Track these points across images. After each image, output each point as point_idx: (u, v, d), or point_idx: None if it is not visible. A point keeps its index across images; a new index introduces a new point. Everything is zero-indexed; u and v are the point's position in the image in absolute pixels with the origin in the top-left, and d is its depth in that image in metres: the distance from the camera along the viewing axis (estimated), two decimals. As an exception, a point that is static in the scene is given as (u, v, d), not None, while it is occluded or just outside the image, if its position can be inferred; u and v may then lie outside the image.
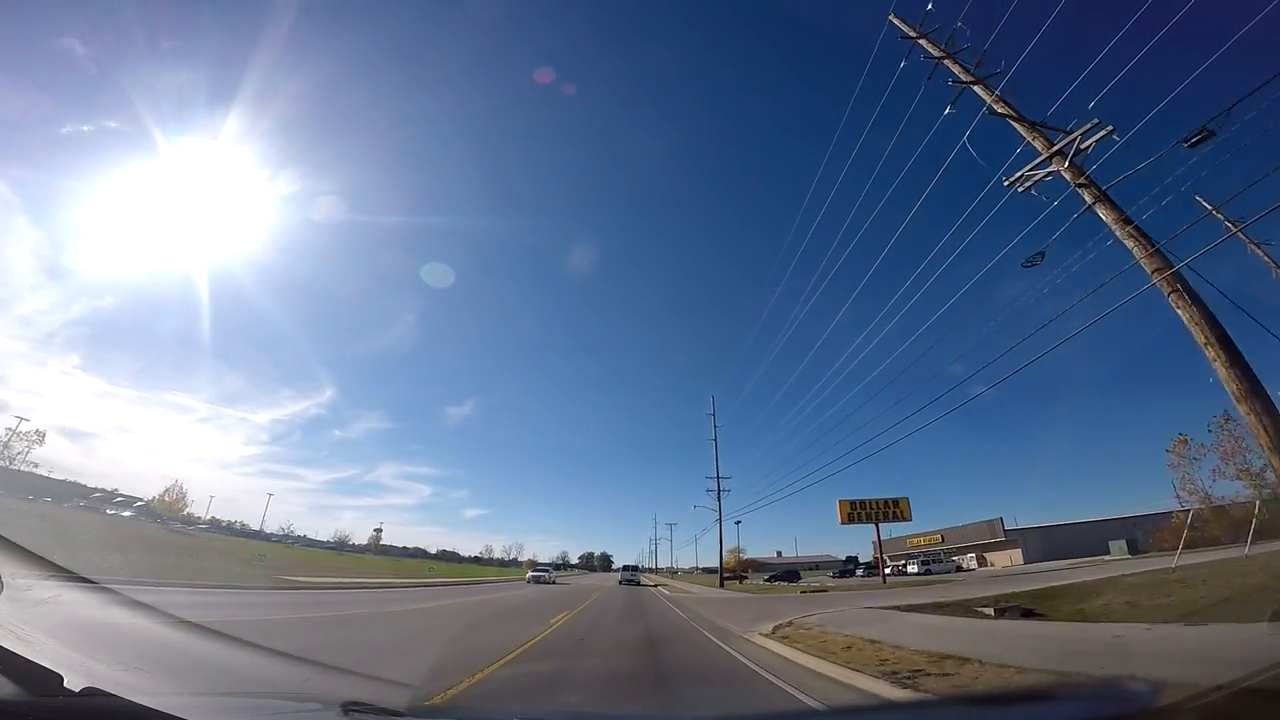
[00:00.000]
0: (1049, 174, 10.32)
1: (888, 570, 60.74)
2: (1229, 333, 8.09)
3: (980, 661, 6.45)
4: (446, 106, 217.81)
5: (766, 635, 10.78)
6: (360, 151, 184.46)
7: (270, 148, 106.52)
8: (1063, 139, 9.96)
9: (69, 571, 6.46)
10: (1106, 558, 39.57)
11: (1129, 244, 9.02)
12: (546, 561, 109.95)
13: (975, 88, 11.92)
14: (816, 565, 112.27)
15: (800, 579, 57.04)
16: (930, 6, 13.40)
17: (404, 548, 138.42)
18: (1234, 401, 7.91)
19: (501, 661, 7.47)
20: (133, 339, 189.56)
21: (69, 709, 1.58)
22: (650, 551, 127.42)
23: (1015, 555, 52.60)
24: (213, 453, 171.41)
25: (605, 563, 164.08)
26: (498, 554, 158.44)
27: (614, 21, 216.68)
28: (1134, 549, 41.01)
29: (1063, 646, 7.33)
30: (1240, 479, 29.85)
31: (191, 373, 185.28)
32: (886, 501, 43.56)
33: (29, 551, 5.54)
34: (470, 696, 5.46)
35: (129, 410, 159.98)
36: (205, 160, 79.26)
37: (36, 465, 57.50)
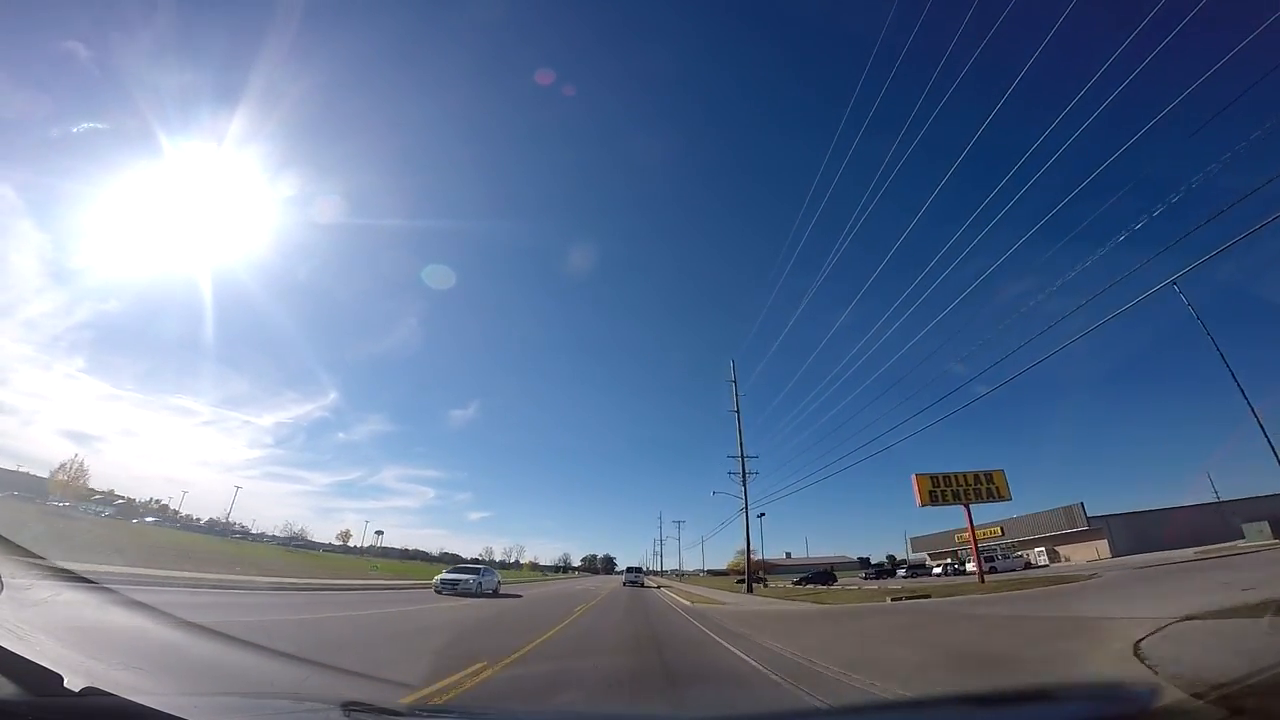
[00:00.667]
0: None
1: (935, 569, 53.35)
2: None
3: None
4: (448, 108, 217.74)
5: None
6: (362, 154, 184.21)
7: (273, 150, 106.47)
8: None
9: (69, 571, 6.46)
10: (1241, 543, 33.88)
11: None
12: (549, 564, 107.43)
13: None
14: (832, 567, 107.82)
15: (836, 580, 50.98)
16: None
17: (404, 549, 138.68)
18: None
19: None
20: (137, 342, 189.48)
21: (69, 709, 1.58)
22: (655, 553, 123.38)
23: (1100, 547, 44.87)
24: (217, 455, 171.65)
25: (608, 565, 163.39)
26: (498, 556, 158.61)
27: (613, 22, 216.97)
28: (1280, 531, 34.65)
29: None
30: None
31: (195, 376, 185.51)
32: (978, 476, 32.96)
33: (28, 551, 5.55)
34: (471, 696, 5.45)
35: (133, 413, 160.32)
36: (209, 163, 79.21)
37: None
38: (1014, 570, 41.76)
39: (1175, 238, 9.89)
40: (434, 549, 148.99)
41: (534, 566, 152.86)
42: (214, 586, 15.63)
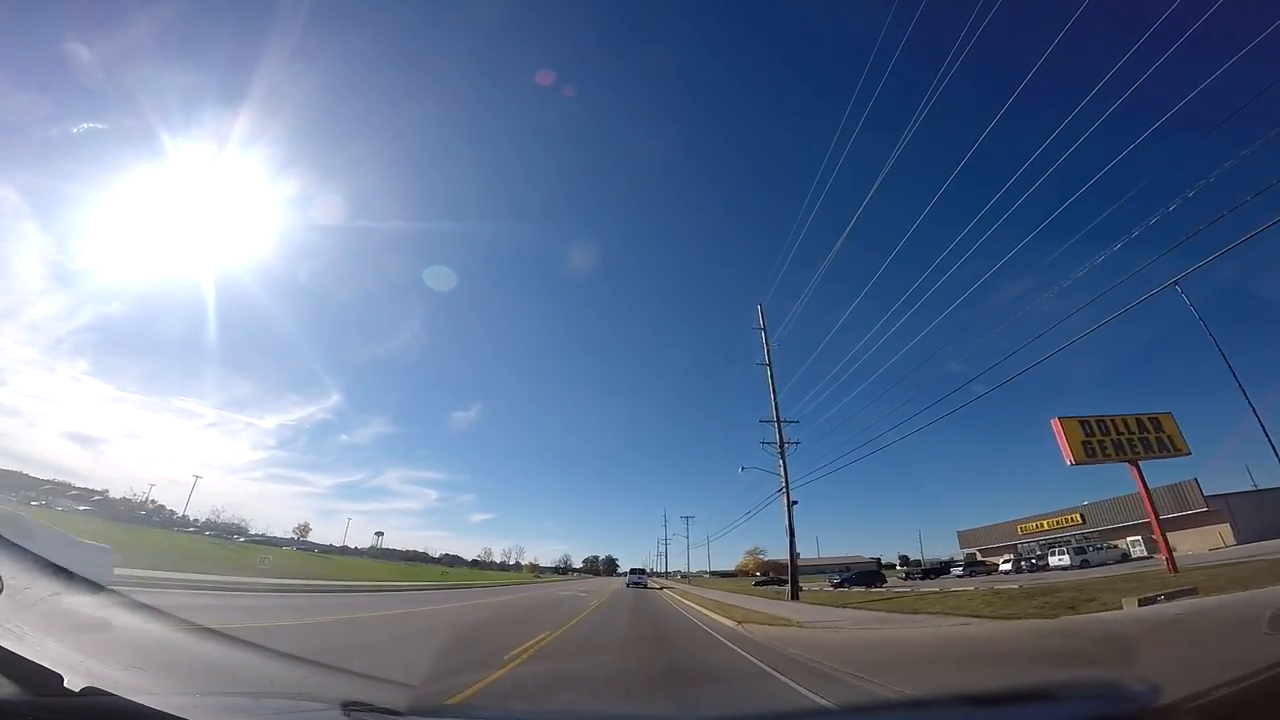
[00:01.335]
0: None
1: (1004, 565, 45.36)
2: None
3: None
4: (449, 109, 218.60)
5: None
6: (364, 156, 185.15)
7: (276, 152, 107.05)
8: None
9: (67, 570, 6.44)
10: None
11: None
12: (549, 565, 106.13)
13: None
14: (847, 568, 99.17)
15: (885, 582, 43.63)
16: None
17: (407, 551, 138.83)
18: None
19: None
20: (141, 345, 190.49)
21: (69, 709, 1.58)
22: (659, 553, 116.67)
23: (1222, 533, 37.61)
24: (220, 457, 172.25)
25: (610, 566, 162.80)
26: (497, 557, 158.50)
27: (613, 23, 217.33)
28: None
29: None
30: None
31: (199, 378, 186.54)
32: (1140, 421, 23.22)
33: (28, 550, 5.53)
34: (472, 696, 5.42)
35: (137, 415, 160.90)
36: (212, 165, 79.68)
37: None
38: (1106, 564, 35.71)
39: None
40: (436, 551, 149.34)
41: (533, 568, 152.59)
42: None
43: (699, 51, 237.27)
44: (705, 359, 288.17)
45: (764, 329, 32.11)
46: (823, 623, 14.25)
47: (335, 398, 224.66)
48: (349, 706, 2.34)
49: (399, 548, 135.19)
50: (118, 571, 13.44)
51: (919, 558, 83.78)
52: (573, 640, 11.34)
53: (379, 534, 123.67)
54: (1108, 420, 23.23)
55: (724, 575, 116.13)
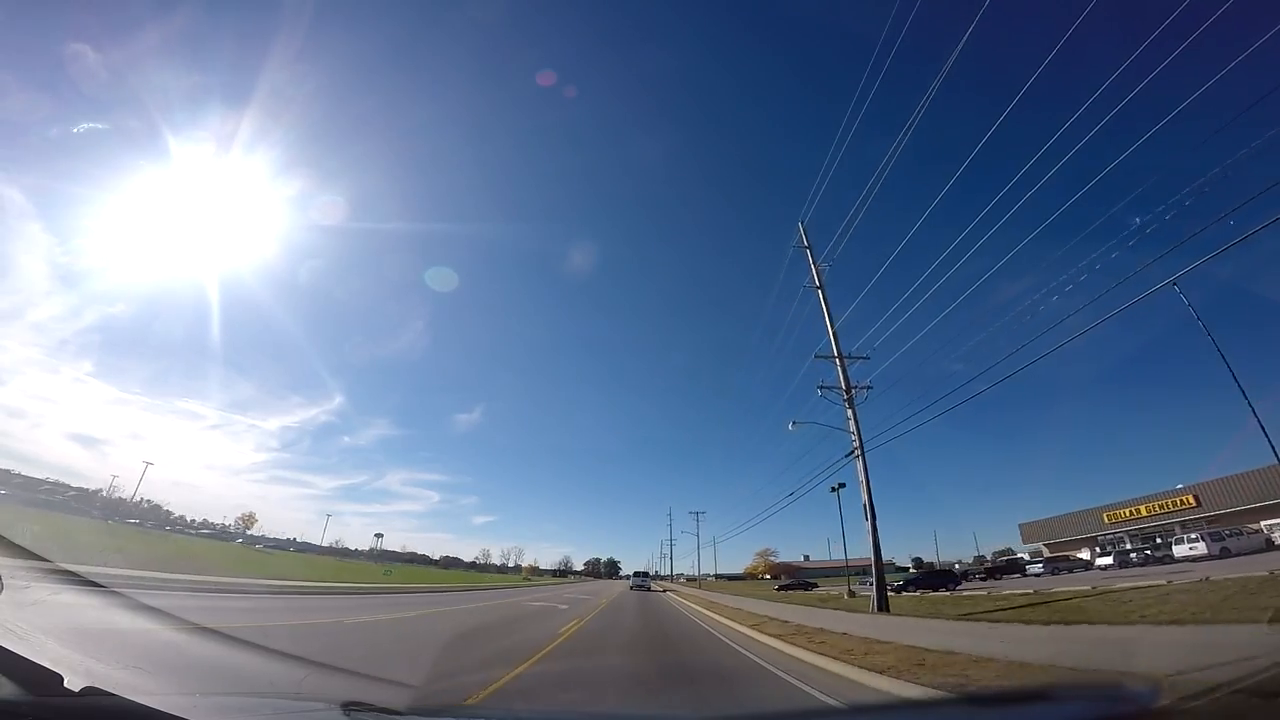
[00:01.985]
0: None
1: (1102, 561, 39.49)
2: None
3: None
4: (450, 110, 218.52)
5: None
6: (366, 157, 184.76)
7: (278, 154, 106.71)
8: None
9: (67, 570, 6.44)
10: None
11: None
12: (549, 567, 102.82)
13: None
14: (865, 569, 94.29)
15: (961, 584, 36.79)
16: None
17: (410, 553, 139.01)
18: None
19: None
20: (144, 346, 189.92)
21: (69, 709, 1.58)
22: (663, 554, 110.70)
23: None
24: (223, 459, 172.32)
25: (611, 569, 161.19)
26: (496, 559, 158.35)
27: (613, 23, 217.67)
28: None
29: None
30: None
31: (202, 379, 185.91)
32: None
33: (27, 550, 5.54)
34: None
35: (140, 417, 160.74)
36: (215, 166, 79.59)
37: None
38: (1245, 552, 30.17)
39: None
40: (439, 553, 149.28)
41: (533, 570, 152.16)
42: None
43: (699, 51, 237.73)
44: (707, 359, 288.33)
45: (808, 247, 24.55)
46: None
47: (338, 399, 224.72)
48: (349, 706, 2.33)
49: (398, 549, 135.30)
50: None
51: (933, 560, 79.18)
52: (593, 645, 10.20)
53: (378, 536, 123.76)
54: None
55: (731, 579, 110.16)
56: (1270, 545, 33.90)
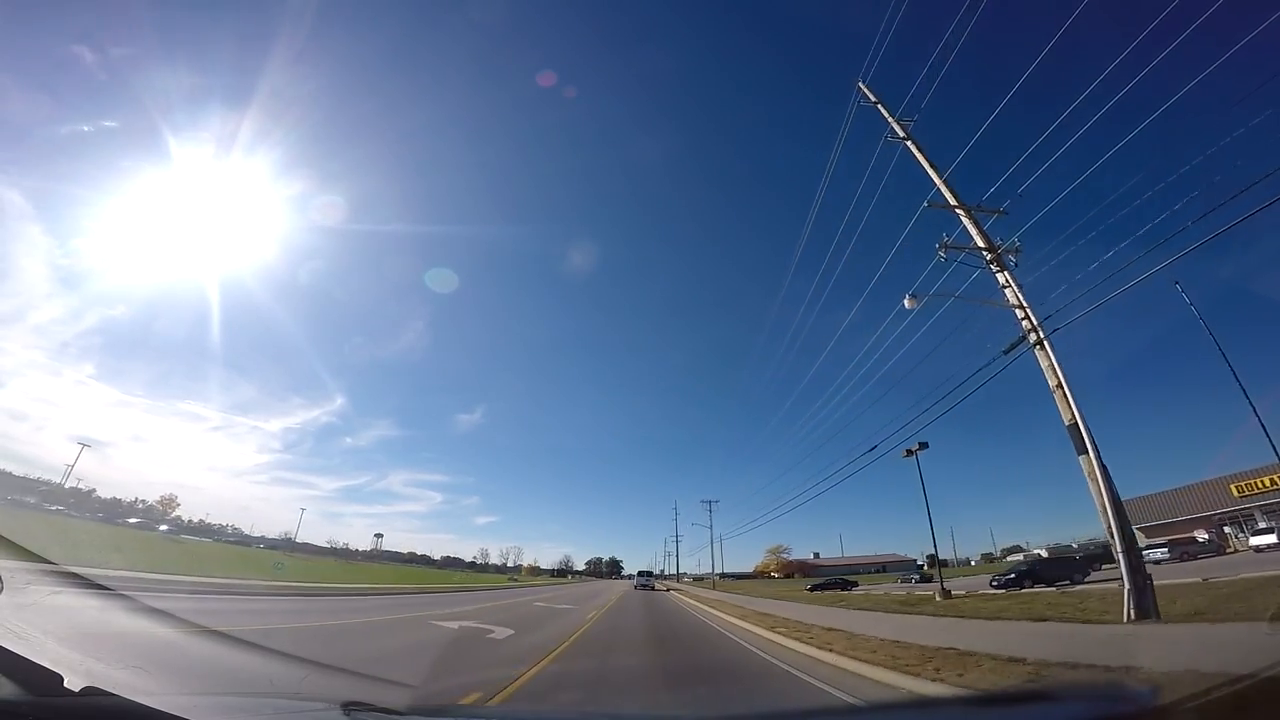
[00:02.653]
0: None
1: (1257, 540, 32.43)
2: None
3: None
4: (450, 111, 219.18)
5: None
6: (367, 159, 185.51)
7: (279, 156, 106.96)
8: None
9: (66, 571, 6.43)
10: None
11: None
12: (549, 567, 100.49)
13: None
14: (883, 567, 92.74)
15: (1089, 575, 28.68)
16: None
17: (410, 553, 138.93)
18: None
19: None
20: (146, 348, 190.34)
21: (69, 709, 1.58)
22: (667, 552, 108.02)
23: None
24: (225, 461, 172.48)
25: (614, 569, 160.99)
26: (495, 559, 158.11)
27: (613, 24, 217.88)
28: None
29: None
30: None
31: (204, 381, 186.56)
32: None
33: (26, 549, 5.53)
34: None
35: (142, 419, 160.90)
36: (216, 169, 79.68)
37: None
38: None
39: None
40: (440, 553, 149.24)
41: (532, 570, 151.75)
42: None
43: (699, 51, 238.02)
44: (708, 357, 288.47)
45: (878, 102, 18.16)
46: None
47: (339, 400, 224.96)
48: (349, 706, 2.33)
49: (399, 550, 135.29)
50: None
51: (946, 556, 76.62)
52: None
53: (378, 536, 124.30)
54: None
55: (739, 577, 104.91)
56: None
